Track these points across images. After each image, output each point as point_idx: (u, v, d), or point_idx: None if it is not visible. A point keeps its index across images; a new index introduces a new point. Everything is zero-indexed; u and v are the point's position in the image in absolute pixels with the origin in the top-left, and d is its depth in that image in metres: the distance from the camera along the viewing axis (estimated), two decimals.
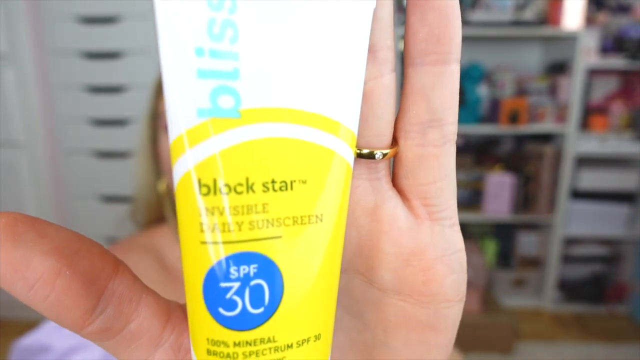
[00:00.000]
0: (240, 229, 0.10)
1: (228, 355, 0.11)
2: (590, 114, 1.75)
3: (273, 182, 0.10)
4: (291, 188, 0.10)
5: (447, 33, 0.12)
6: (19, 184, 1.70)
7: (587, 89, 1.75)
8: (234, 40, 0.09)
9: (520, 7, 1.70)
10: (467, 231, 1.93)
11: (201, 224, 0.10)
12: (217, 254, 0.10)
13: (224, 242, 0.10)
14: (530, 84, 1.79)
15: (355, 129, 0.11)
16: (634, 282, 1.83)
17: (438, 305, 0.13)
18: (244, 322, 0.11)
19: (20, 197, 1.71)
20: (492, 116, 1.77)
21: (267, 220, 0.10)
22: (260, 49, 0.10)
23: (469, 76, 1.71)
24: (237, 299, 0.10)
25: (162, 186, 0.52)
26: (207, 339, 0.11)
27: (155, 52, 1.55)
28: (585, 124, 1.75)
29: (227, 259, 0.10)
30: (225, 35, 0.09)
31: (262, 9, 0.09)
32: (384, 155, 0.12)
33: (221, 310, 0.10)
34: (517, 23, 1.65)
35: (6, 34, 1.58)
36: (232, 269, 0.10)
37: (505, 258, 1.92)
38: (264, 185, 0.10)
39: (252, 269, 0.10)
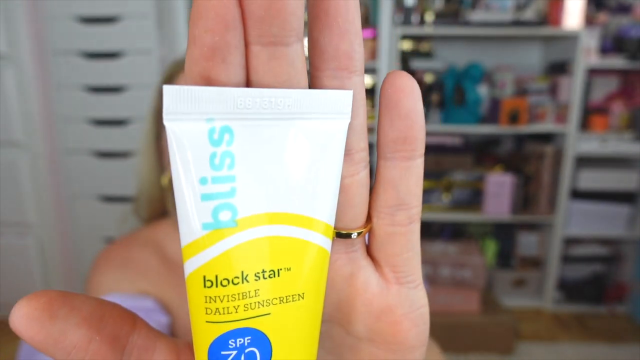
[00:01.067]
0: (236, 311, 0.13)
1: None
2: (591, 114, 1.75)
3: (263, 271, 0.13)
4: (278, 275, 0.13)
5: (413, 134, 0.14)
6: (19, 183, 1.69)
7: (587, 89, 1.75)
8: (231, 166, 0.12)
9: (521, 7, 1.70)
10: (467, 231, 1.93)
11: (206, 309, 0.13)
12: (218, 331, 0.13)
13: (224, 322, 0.13)
14: (531, 84, 1.79)
15: (329, 221, 0.14)
16: (634, 282, 1.83)
17: (404, 351, 0.16)
18: None
19: (20, 197, 1.71)
20: (492, 116, 1.77)
21: (259, 302, 0.13)
22: (252, 169, 0.12)
23: (469, 76, 1.71)
24: None
25: (164, 180, 0.54)
26: None
27: (155, 52, 1.55)
28: (585, 124, 1.75)
29: (226, 334, 0.13)
30: (224, 164, 0.12)
31: (255, 137, 0.12)
32: (359, 234, 0.15)
33: None
34: (517, 23, 1.65)
35: (6, 34, 1.58)
36: (230, 341, 0.13)
37: (505, 258, 1.91)
38: (255, 275, 0.13)
39: (247, 340, 0.13)
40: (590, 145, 1.73)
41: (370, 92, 1.76)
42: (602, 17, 1.71)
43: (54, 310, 0.13)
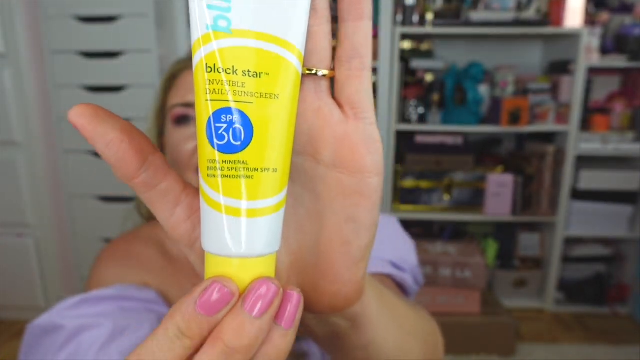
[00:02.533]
0: (228, 94, 0.17)
1: (218, 169, 0.18)
2: (592, 113, 1.74)
3: (249, 71, 0.18)
4: (259, 77, 0.18)
5: (361, 2, 0.19)
6: (17, 184, 1.69)
7: (589, 88, 1.74)
8: None
9: (521, 7, 1.69)
10: (468, 231, 1.92)
11: (206, 89, 0.17)
12: (215, 107, 0.17)
13: (219, 100, 0.17)
14: (532, 83, 1.78)
15: (300, 48, 0.18)
16: (636, 283, 1.82)
17: (363, 175, 0.20)
18: (229, 149, 0.18)
19: (18, 197, 1.70)
20: (493, 116, 1.77)
21: (244, 92, 0.18)
22: None
23: (470, 76, 1.70)
24: (225, 134, 0.17)
25: None
26: (207, 160, 0.18)
27: (154, 52, 1.54)
28: (586, 124, 1.75)
29: (220, 110, 0.17)
30: None
31: None
32: (324, 75, 0.20)
33: (215, 140, 0.18)
34: (518, 22, 1.64)
35: (4, 33, 1.58)
36: (222, 116, 0.17)
37: (506, 259, 1.91)
38: (242, 72, 0.17)
39: (235, 117, 0.18)
40: (592, 145, 1.72)
41: (372, 92, 1.75)
42: (604, 16, 1.71)
43: (99, 114, 0.18)
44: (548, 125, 1.73)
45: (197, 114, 0.18)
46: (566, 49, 1.73)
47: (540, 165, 1.77)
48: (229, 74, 0.17)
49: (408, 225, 1.96)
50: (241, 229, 0.18)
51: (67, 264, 1.83)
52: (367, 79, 0.20)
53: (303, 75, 0.19)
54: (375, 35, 1.68)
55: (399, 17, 1.68)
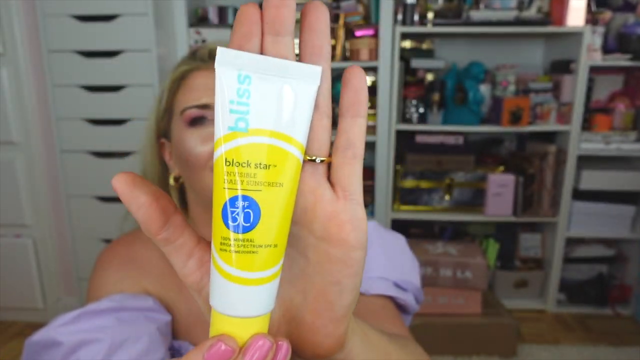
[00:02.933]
0: (242, 184, 0.21)
1: (230, 244, 0.21)
2: (594, 113, 1.73)
3: (260, 164, 0.21)
4: (268, 168, 0.21)
5: (359, 100, 0.23)
6: (16, 183, 1.68)
7: (591, 88, 1.72)
8: (248, 97, 0.21)
9: (523, 5, 1.68)
10: (469, 232, 1.91)
11: (224, 179, 0.21)
12: (230, 194, 0.21)
13: (234, 189, 0.21)
14: (533, 83, 1.77)
15: (303, 142, 0.22)
16: (638, 284, 1.81)
17: (348, 249, 0.23)
18: (240, 229, 0.21)
19: (17, 198, 1.69)
20: (494, 116, 1.76)
21: (256, 182, 0.21)
22: (260, 102, 0.21)
23: (471, 75, 1.69)
24: (237, 217, 0.21)
25: (171, 179, 0.56)
26: (220, 237, 0.21)
27: (153, 51, 1.53)
28: (588, 124, 1.73)
29: (235, 197, 0.21)
30: (244, 95, 0.21)
31: (263, 84, 0.21)
32: (322, 161, 0.23)
33: (230, 222, 0.21)
34: (519, 21, 1.63)
35: (1, 33, 1.57)
36: (236, 202, 0.21)
37: (507, 259, 1.90)
38: (255, 164, 0.21)
39: (246, 203, 0.21)
40: (593, 145, 1.71)
41: (372, 91, 1.74)
42: (606, 15, 1.69)
43: (136, 181, 0.22)
44: (549, 125, 1.71)
45: (214, 197, 0.22)
46: (568, 48, 1.72)
47: (542, 165, 1.76)
48: (244, 167, 0.21)
49: (408, 226, 1.95)
50: (246, 295, 0.22)
51: (65, 265, 1.82)
52: (359, 166, 0.24)
53: (304, 161, 0.23)
54: (376, 35, 1.66)
55: (400, 16, 1.67)
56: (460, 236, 1.95)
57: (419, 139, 1.81)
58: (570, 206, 1.77)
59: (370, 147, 1.81)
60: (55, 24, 1.52)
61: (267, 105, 0.21)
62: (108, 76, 1.55)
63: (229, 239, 0.21)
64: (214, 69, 0.48)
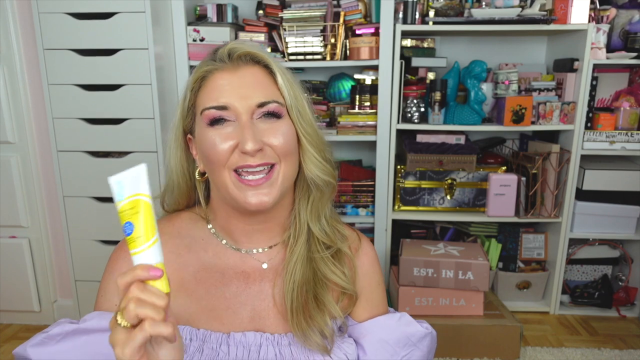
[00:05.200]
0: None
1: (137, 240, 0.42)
2: (598, 112, 1.71)
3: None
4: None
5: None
6: (11, 183, 1.66)
7: (594, 86, 1.70)
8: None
9: (526, 3, 1.66)
10: (471, 233, 1.89)
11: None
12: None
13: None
14: (536, 82, 1.75)
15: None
16: None
17: None
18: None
19: (12, 197, 1.67)
20: (496, 115, 1.73)
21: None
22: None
23: (473, 74, 1.67)
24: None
25: (197, 174, 0.62)
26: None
27: (150, 49, 1.51)
28: (592, 123, 1.71)
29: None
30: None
31: None
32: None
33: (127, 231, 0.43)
34: (522, 19, 1.60)
35: None
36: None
37: (509, 260, 1.87)
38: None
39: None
40: (597, 144, 1.69)
41: (373, 90, 1.72)
42: (610, 12, 1.67)
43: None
44: (552, 125, 1.69)
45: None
46: (571, 46, 1.69)
47: (545, 165, 1.74)
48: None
49: (409, 227, 1.93)
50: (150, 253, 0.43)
51: (61, 266, 1.80)
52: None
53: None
54: (376, 33, 1.64)
55: (400, 14, 1.65)
56: (461, 237, 1.92)
57: (420, 138, 1.79)
58: (573, 206, 1.75)
59: (370, 146, 1.79)
60: (51, 22, 1.50)
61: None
62: (105, 75, 1.53)
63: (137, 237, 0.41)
64: (232, 70, 0.55)
